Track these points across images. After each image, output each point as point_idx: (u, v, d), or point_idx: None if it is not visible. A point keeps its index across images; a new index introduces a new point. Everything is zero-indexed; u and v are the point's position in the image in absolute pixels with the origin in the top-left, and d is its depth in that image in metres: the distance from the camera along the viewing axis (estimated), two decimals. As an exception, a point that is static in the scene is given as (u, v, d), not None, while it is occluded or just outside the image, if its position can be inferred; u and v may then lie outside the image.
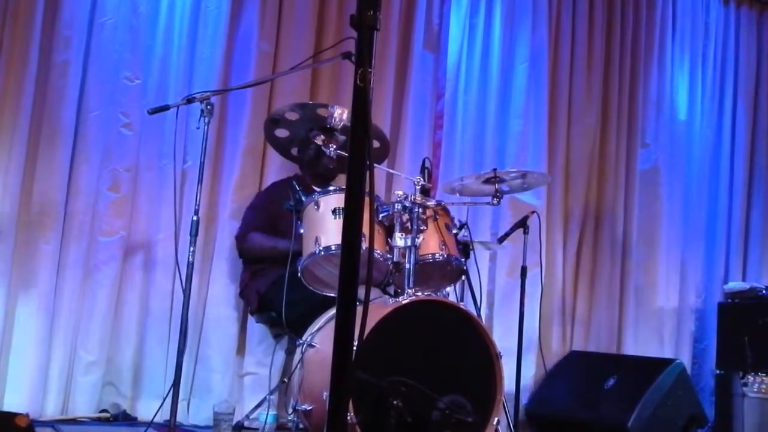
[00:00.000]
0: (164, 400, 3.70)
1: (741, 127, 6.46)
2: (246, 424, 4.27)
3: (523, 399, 5.03)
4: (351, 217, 1.69)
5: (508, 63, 5.63)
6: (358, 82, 1.63)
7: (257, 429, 4.06)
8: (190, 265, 3.68)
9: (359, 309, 1.69)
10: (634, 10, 6.13)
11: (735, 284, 6.00)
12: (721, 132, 6.44)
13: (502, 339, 4.77)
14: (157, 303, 4.49)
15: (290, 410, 3.47)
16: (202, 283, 4.55)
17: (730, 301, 5.88)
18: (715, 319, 5.88)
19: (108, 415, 4.32)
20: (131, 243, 4.47)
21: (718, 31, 6.50)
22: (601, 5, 5.99)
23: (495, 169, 4.13)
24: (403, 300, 3.33)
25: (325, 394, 3.06)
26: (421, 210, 3.56)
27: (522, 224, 4.67)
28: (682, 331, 6.04)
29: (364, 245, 1.88)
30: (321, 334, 3.49)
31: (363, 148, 1.67)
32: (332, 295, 3.62)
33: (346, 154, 1.72)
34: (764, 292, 5.70)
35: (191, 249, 3.69)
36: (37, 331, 4.17)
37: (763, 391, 5.10)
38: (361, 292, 1.71)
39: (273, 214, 4.28)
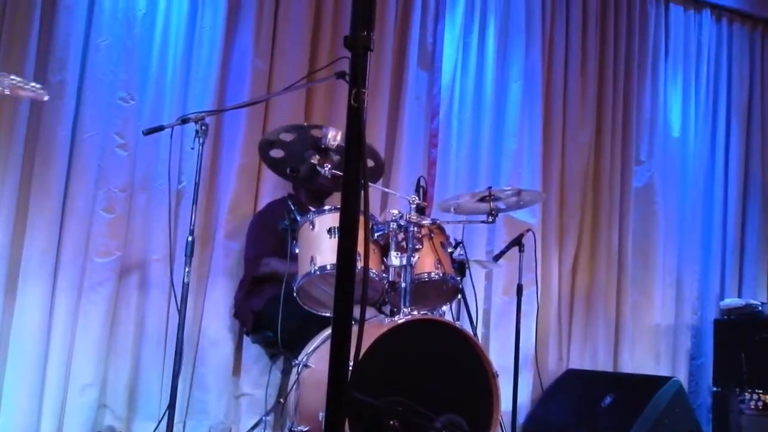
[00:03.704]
0: (159, 422, 3.69)
1: (735, 144, 6.49)
2: (242, 445, 4.26)
3: (520, 418, 5.02)
4: (346, 236, 1.69)
5: (502, 81, 5.65)
6: (352, 102, 1.64)
7: (253, 450, 4.04)
8: (186, 286, 3.68)
9: (355, 329, 1.69)
10: (627, 29, 6.17)
11: (731, 300, 6.01)
12: (715, 149, 6.46)
13: (499, 357, 4.77)
14: (153, 324, 4.48)
15: (286, 431, 3.45)
16: (197, 304, 4.54)
17: (726, 317, 5.89)
18: (712, 336, 5.89)
19: (103, 437, 4.30)
20: (126, 263, 4.46)
21: (711, 48, 6.54)
22: (594, 23, 6.02)
23: (490, 187, 4.14)
24: (399, 319, 3.33)
25: (321, 415, 3.04)
26: (416, 229, 3.56)
27: (517, 242, 4.68)
28: (679, 348, 6.04)
29: (360, 264, 1.88)
30: (317, 354, 3.48)
31: (357, 167, 1.68)
32: (328, 314, 3.62)
33: (341, 174, 1.72)
34: (760, 308, 5.70)
35: (186, 269, 3.69)
36: (32, 353, 4.15)
37: (760, 407, 5.09)
38: (356, 311, 1.71)
39: (278, 234, 4.27)
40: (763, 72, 6.73)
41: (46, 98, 3.67)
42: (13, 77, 3.52)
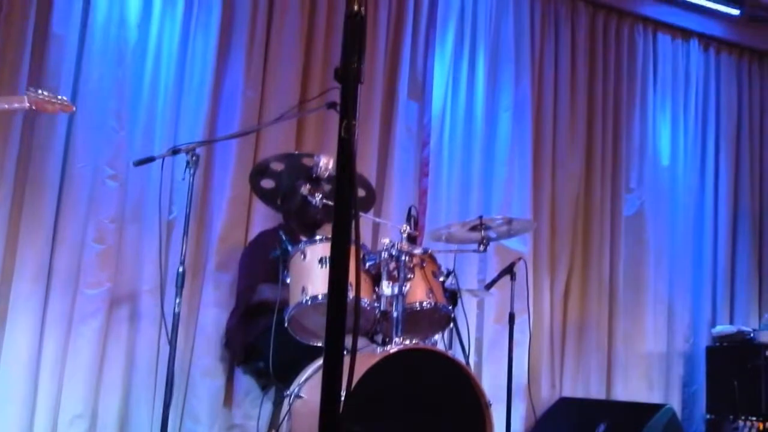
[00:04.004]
0: (150, 454, 3.65)
1: (724, 171, 6.53)
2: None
3: (514, 447, 4.99)
4: (337, 266, 1.69)
5: (492, 111, 5.68)
6: (342, 133, 1.65)
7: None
8: (176, 317, 3.66)
9: (347, 359, 1.68)
10: (616, 58, 6.23)
11: (723, 327, 6.01)
12: (705, 176, 6.49)
13: (491, 386, 4.75)
14: (143, 355, 4.45)
15: (278, 462, 3.43)
16: (188, 334, 4.52)
17: (718, 344, 5.89)
18: (704, 363, 5.88)
19: (93, 470, 4.26)
20: (117, 295, 4.44)
21: (699, 77, 6.60)
22: (583, 52, 6.07)
23: (481, 216, 4.14)
24: (391, 349, 3.31)
25: (314, 446, 3.02)
26: (407, 258, 3.56)
27: (509, 271, 4.67)
28: (671, 375, 6.03)
29: (351, 294, 1.87)
30: (309, 385, 3.47)
31: (348, 198, 1.68)
32: (320, 344, 3.60)
33: (333, 203, 1.73)
34: (752, 335, 5.71)
35: (177, 300, 3.68)
36: (22, 384, 4.12)
37: (753, 435, 5.08)
38: (348, 341, 1.70)
39: (270, 264, 4.25)
40: (750, 100, 6.79)
41: (73, 109, 3.81)
42: (41, 91, 3.61)
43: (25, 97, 3.64)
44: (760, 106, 6.83)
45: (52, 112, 3.84)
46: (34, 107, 3.67)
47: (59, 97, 3.76)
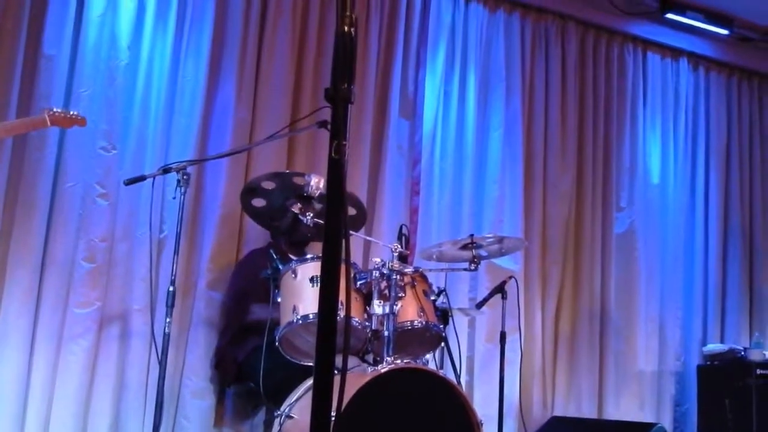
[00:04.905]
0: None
1: (714, 190, 6.55)
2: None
3: (505, 467, 4.97)
4: (327, 285, 1.69)
5: (483, 130, 5.70)
6: (333, 154, 1.65)
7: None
8: (167, 336, 3.65)
9: (337, 378, 1.68)
10: (606, 76, 6.26)
11: (714, 346, 6.02)
12: (695, 195, 6.51)
13: (483, 406, 4.74)
14: (133, 375, 4.42)
15: (269, 483, 3.41)
16: (178, 354, 4.49)
17: (709, 363, 5.89)
18: (695, 382, 5.88)
19: (82, 491, 4.22)
20: (107, 314, 4.42)
21: (689, 96, 6.63)
22: (573, 72, 6.10)
23: (472, 235, 4.14)
24: (382, 368, 3.31)
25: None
26: (398, 277, 3.56)
27: (500, 289, 4.67)
28: (663, 394, 6.02)
29: (343, 313, 1.87)
30: (299, 405, 3.45)
31: (339, 218, 1.68)
32: (310, 364, 3.58)
33: (324, 222, 1.73)
34: (743, 353, 5.71)
35: (167, 320, 3.67)
36: (10, 404, 4.10)
37: (745, 454, 5.07)
38: (339, 360, 1.70)
39: (260, 283, 4.24)
40: (740, 119, 6.83)
41: (86, 123, 4.06)
42: (55, 109, 3.78)
43: (46, 116, 3.87)
44: (749, 124, 6.87)
45: (68, 126, 4.05)
46: (51, 124, 3.91)
47: (72, 112, 3.91)
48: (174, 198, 3.84)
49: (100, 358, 4.38)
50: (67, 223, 4.37)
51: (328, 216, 1.69)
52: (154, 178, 3.95)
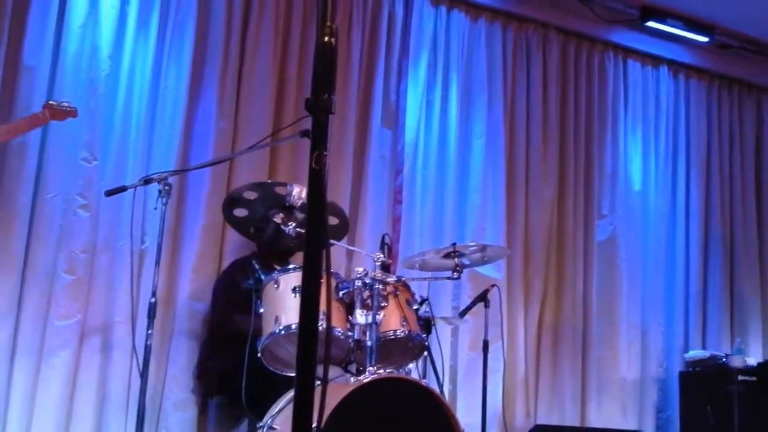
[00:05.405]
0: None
1: (695, 196, 6.59)
2: None
3: (489, 475, 4.96)
4: (308, 295, 1.68)
5: (466, 138, 5.71)
6: (313, 164, 1.65)
7: None
8: (148, 348, 3.63)
9: (319, 389, 1.67)
10: (587, 85, 6.29)
11: (695, 353, 6.04)
12: (676, 201, 6.55)
13: (466, 414, 4.74)
14: (115, 388, 4.39)
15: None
16: (160, 366, 4.47)
17: (691, 370, 5.91)
18: (678, 389, 5.90)
19: (63, 505, 4.19)
20: (88, 326, 4.39)
21: (669, 103, 6.67)
22: (555, 79, 6.12)
23: (454, 244, 4.14)
24: (365, 378, 3.30)
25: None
26: (381, 286, 3.55)
27: (483, 298, 4.67)
28: (645, 401, 6.04)
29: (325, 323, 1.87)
30: (282, 416, 3.43)
31: (319, 228, 1.68)
32: (293, 374, 3.57)
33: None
34: (724, 359, 5.73)
35: (149, 332, 3.65)
36: (-10, 419, 4.06)
37: (728, 460, 5.09)
38: (320, 370, 1.69)
39: (243, 294, 4.23)
40: (720, 125, 6.87)
41: (77, 114, 4.10)
42: (52, 101, 3.79)
43: (47, 112, 3.96)
44: (729, 131, 6.92)
45: (62, 119, 4.09)
46: (50, 118, 4.01)
47: (64, 103, 4.00)
48: (155, 208, 3.82)
49: (81, 371, 4.35)
50: (47, 234, 4.34)
51: (308, 226, 1.69)
52: (135, 189, 3.94)
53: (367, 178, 5.29)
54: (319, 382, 1.69)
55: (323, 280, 1.72)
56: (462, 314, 4.85)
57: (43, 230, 4.33)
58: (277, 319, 3.50)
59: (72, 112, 4.06)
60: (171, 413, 4.46)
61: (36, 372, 4.23)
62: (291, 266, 3.74)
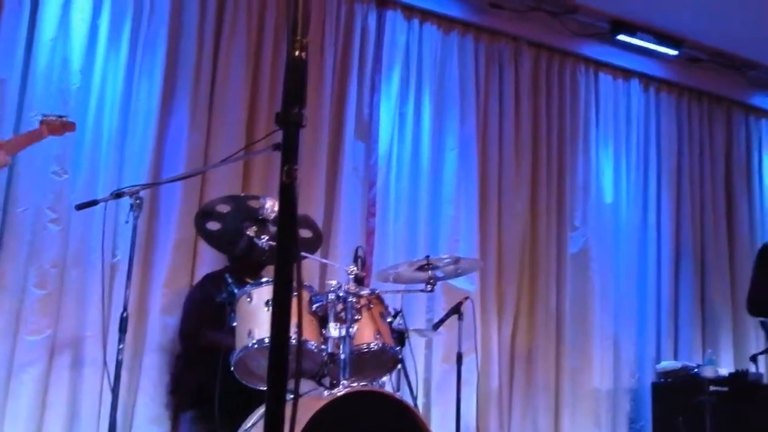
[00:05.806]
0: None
1: (665, 208, 6.65)
2: None
3: (464, 488, 4.96)
4: (279, 309, 1.68)
5: (438, 151, 5.73)
6: (284, 179, 1.64)
7: None
8: (119, 363, 3.60)
9: (290, 403, 1.67)
10: (559, 98, 6.34)
11: (667, 363, 6.08)
12: (647, 213, 6.60)
13: (440, 427, 4.74)
14: (85, 404, 4.34)
15: None
16: (132, 381, 4.43)
17: (663, 380, 5.95)
18: (650, 399, 5.93)
19: None
20: (58, 341, 4.35)
21: (640, 115, 6.74)
22: (527, 92, 6.16)
23: (428, 256, 4.16)
24: (339, 392, 3.28)
25: (260, 493, 2.97)
26: (355, 299, 3.54)
27: (456, 310, 4.68)
28: (618, 412, 6.07)
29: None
30: (255, 430, 3.42)
31: (291, 242, 1.67)
32: (266, 389, 3.55)
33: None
34: (696, 370, 5.77)
35: (120, 346, 3.61)
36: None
37: (700, 470, 5.12)
38: (292, 384, 1.69)
39: (215, 308, 4.20)
40: (690, 138, 6.95)
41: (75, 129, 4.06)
42: (48, 115, 3.74)
43: (44, 127, 3.92)
44: (699, 143, 6.99)
45: (60, 134, 4.04)
46: (48, 134, 3.95)
47: (63, 117, 4.01)
48: (127, 222, 3.80)
49: (51, 387, 4.30)
50: (17, 248, 4.30)
51: (279, 240, 1.69)
52: (106, 203, 3.91)
53: (340, 190, 5.29)
54: (291, 396, 1.68)
55: (295, 294, 1.71)
56: (436, 327, 4.85)
57: (13, 244, 4.29)
58: (250, 333, 3.48)
59: (70, 126, 4.00)
60: (144, 429, 4.42)
61: (5, 387, 4.18)
62: (264, 280, 3.73)
